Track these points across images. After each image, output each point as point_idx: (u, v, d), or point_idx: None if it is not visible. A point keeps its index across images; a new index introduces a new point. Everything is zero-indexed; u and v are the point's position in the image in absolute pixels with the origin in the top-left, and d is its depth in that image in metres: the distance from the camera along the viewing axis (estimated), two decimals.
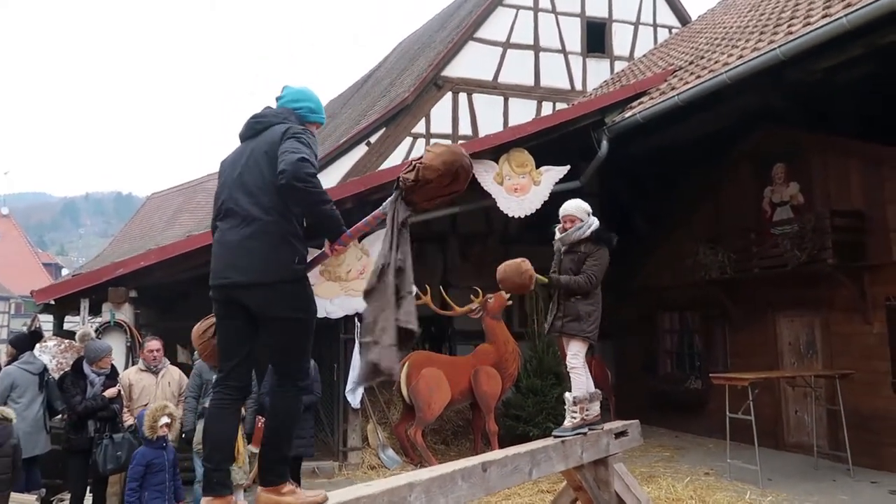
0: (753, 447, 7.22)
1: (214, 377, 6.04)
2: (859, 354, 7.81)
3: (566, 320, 4.52)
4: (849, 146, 8.17)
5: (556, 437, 4.28)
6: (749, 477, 7.21)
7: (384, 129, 12.36)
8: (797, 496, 6.58)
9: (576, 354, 4.54)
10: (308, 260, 2.79)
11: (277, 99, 3.02)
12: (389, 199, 2.78)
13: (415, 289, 2.88)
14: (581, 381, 4.51)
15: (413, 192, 2.72)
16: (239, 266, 2.65)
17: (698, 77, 8.40)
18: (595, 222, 4.62)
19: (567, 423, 4.42)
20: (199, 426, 5.71)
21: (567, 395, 4.53)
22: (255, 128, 2.87)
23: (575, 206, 4.66)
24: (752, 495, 6.50)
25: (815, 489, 6.89)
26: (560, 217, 4.68)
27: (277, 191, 2.63)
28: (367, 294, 2.64)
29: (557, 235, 4.68)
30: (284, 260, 2.63)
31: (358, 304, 8.20)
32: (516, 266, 4.37)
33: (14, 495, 6.26)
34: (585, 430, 4.40)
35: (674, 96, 8.39)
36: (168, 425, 5.30)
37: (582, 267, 4.53)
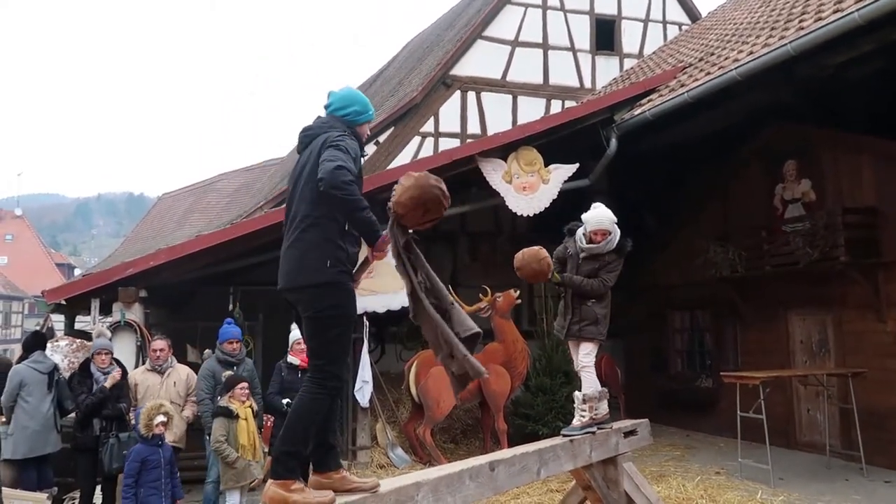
0: (765, 446, 7.17)
1: (226, 374, 6.07)
2: (873, 353, 7.73)
3: (584, 324, 4.55)
4: (860, 142, 8.09)
5: (565, 435, 4.28)
6: (760, 476, 7.16)
7: (393, 128, 12.36)
8: (809, 496, 6.52)
9: (588, 354, 4.57)
10: (353, 263, 2.91)
11: (325, 107, 3.11)
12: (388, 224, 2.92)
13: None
14: (592, 379, 4.54)
15: (400, 219, 2.89)
16: (281, 273, 2.87)
17: (708, 74, 8.34)
18: (618, 232, 4.63)
19: (576, 421, 4.42)
20: (216, 425, 5.72)
21: (577, 393, 4.53)
22: (304, 141, 3.01)
23: (609, 221, 4.61)
24: (764, 495, 6.45)
25: (828, 489, 6.83)
26: (591, 229, 4.59)
27: (314, 199, 2.78)
28: (415, 317, 2.90)
29: (584, 244, 4.63)
30: (314, 264, 2.75)
31: (367, 303, 8.22)
32: (534, 253, 4.44)
33: (26, 493, 6.31)
34: (594, 428, 4.41)
35: (683, 93, 8.33)
36: (164, 424, 5.30)
37: (598, 272, 4.55)
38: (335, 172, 2.63)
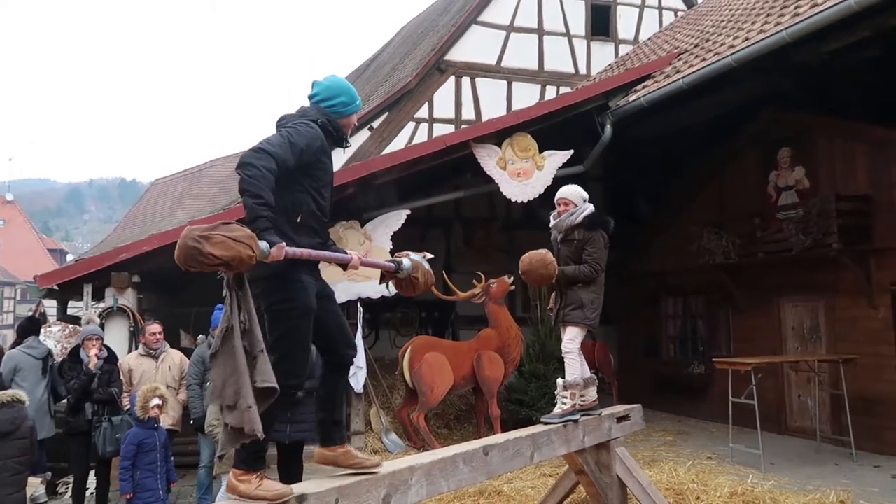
0: (756, 431, 7.23)
1: None
2: (864, 339, 7.78)
3: (569, 309, 4.49)
4: (855, 129, 8.10)
5: (543, 423, 4.26)
6: (751, 461, 7.22)
7: (387, 113, 12.29)
8: (799, 480, 6.58)
9: (572, 339, 4.50)
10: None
11: (310, 97, 2.96)
12: None
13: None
14: (575, 366, 4.49)
15: None
16: None
17: (703, 60, 8.31)
18: (589, 208, 4.55)
19: (557, 409, 4.40)
20: (210, 409, 5.72)
21: (559, 380, 4.50)
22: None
23: (570, 191, 4.61)
24: (754, 479, 6.50)
25: (818, 473, 6.90)
26: (556, 201, 4.64)
27: None
28: (212, 357, 2.51)
29: (552, 222, 4.64)
30: None
31: (361, 289, 8.21)
32: (541, 258, 4.30)
33: None
34: (578, 416, 4.36)
35: (679, 80, 8.31)
36: (160, 407, 5.31)
37: (581, 255, 4.48)
38: (248, 153, 2.52)
